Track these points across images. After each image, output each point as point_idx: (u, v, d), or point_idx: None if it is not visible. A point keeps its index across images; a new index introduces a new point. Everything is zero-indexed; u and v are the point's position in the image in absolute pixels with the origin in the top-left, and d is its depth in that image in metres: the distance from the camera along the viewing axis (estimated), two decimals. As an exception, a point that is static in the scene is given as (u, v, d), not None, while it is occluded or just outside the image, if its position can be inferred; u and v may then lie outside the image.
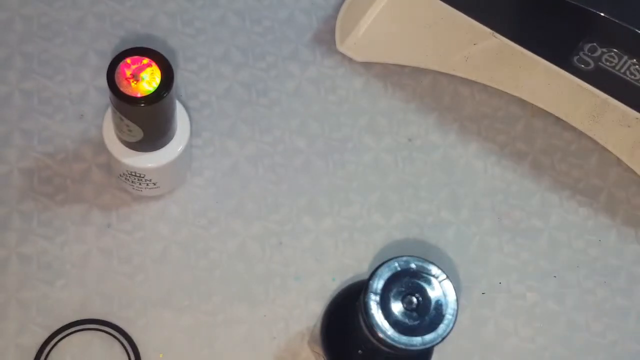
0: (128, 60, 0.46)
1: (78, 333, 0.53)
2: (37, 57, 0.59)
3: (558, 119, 0.60)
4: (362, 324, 0.39)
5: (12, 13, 0.60)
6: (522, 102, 0.61)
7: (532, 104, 0.60)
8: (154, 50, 0.47)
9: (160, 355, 0.53)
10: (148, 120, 0.48)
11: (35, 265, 0.54)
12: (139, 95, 0.46)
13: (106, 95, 0.51)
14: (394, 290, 0.39)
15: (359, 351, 0.44)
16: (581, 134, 0.60)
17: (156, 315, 0.54)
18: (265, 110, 0.59)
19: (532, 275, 0.57)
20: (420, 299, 0.39)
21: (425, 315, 0.39)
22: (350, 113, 0.60)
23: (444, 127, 0.60)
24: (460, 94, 0.61)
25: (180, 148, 0.52)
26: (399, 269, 0.39)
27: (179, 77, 0.60)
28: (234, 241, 0.56)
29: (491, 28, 0.56)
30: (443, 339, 0.39)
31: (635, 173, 0.60)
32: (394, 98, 0.61)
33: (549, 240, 0.58)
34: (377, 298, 0.39)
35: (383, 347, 0.39)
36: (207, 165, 0.58)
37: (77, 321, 0.53)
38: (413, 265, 0.40)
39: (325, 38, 0.62)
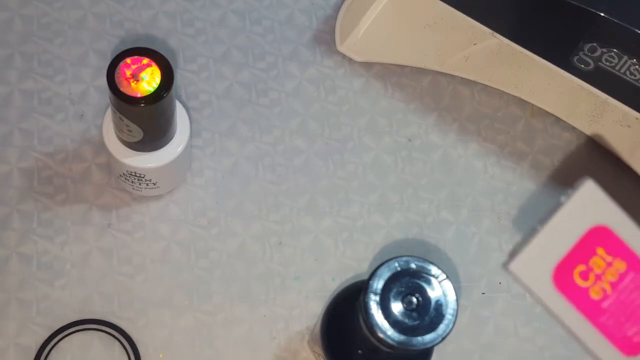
0: (128, 60, 0.46)
1: (78, 333, 0.53)
2: (37, 57, 0.59)
3: (558, 119, 0.60)
4: (362, 324, 0.39)
5: (12, 13, 0.60)
6: (522, 102, 0.61)
7: (532, 104, 0.60)
8: (154, 50, 0.47)
9: (161, 355, 0.53)
10: (148, 120, 0.48)
11: (35, 265, 0.54)
12: (138, 95, 0.46)
13: (106, 95, 0.51)
14: (394, 290, 0.39)
15: (359, 351, 0.44)
16: (581, 134, 0.60)
17: (156, 315, 0.54)
18: (265, 110, 0.60)
19: (532, 275, 0.57)
20: (420, 299, 0.39)
21: (425, 315, 0.39)
22: (350, 113, 0.60)
23: (444, 127, 0.60)
24: (460, 94, 0.61)
25: (180, 148, 0.52)
26: (399, 269, 0.39)
27: (179, 77, 0.60)
28: (234, 241, 0.56)
29: (491, 28, 0.56)
30: (443, 339, 0.39)
31: (635, 173, 0.60)
32: (393, 98, 0.61)
33: (549, 240, 0.58)
34: (377, 298, 0.39)
35: (383, 347, 0.39)
36: (207, 165, 0.58)
37: (77, 321, 0.53)
38: (413, 265, 0.40)
39: (325, 38, 0.62)
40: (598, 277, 0.31)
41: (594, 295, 0.31)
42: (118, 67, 0.46)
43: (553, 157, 0.60)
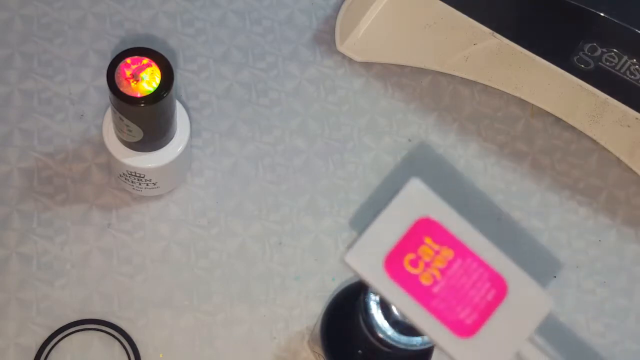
0: (128, 60, 0.46)
1: (78, 333, 0.53)
2: (37, 57, 0.59)
3: (558, 119, 0.60)
4: (362, 324, 0.39)
5: (12, 13, 0.60)
6: (522, 102, 0.61)
7: (532, 104, 0.60)
8: (154, 50, 0.47)
9: (160, 355, 0.53)
10: (148, 120, 0.48)
11: (35, 265, 0.54)
12: (138, 95, 0.46)
13: (106, 95, 0.51)
14: (394, 290, 0.39)
15: (359, 351, 0.44)
16: (581, 134, 0.60)
17: (156, 315, 0.54)
18: (265, 110, 0.59)
19: (531, 275, 0.57)
20: (419, 298, 0.39)
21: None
22: (350, 113, 0.60)
23: (444, 128, 0.60)
24: (460, 94, 0.61)
25: (180, 148, 0.52)
26: (398, 268, 0.39)
27: (179, 77, 0.60)
28: (234, 241, 0.56)
29: (491, 28, 0.56)
30: (443, 338, 0.39)
31: (635, 173, 0.60)
32: (393, 98, 0.61)
33: (549, 240, 0.58)
34: (377, 298, 0.39)
35: (383, 347, 0.39)
36: (207, 165, 0.58)
37: (77, 321, 0.53)
38: (412, 265, 0.39)
39: (325, 38, 0.62)
40: (427, 265, 0.33)
41: (425, 281, 0.33)
42: (118, 67, 0.46)
43: (553, 157, 0.60)
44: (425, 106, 0.61)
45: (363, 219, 0.58)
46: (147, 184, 0.53)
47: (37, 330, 0.53)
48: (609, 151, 0.60)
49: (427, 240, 0.34)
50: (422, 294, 0.33)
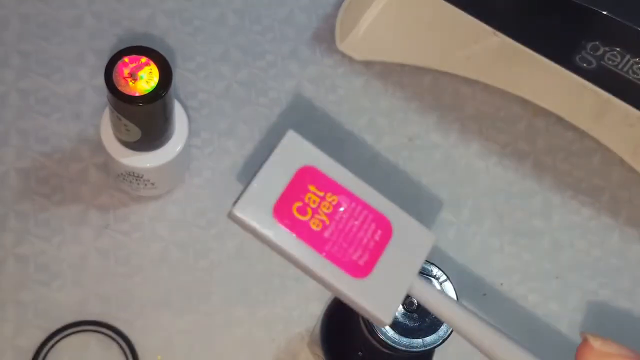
0: (126, 59, 0.46)
1: (75, 334, 0.53)
2: (34, 56, 0.59)
3: (560, 118, 0.60)
4: (363, 325, 0.39)
5: (10, 11, 0.60)
6: (524, 102, 0.60)
7: (534, 103, 0.60)
8: (152, 49, 0.46)
9: (159, 357, 0.53)
10: (146, 119, 0.48)
11: (32, 266, 0.54)
12: (136, 94, 0.45)
13: (104, 95, 0.50)
14: (395, 292, 0.39)
15: (359, 353, 0.44)
16: (583, 133, 0.60)
17: (154, 316, 0.53)
18: (264, 110, 0.59)
19: (534, 276, 0.57)
20: (420, 300, 0.39)
21: (426, 317, 0.39)
22: (351, 112, 0.60)
23: (445, 127, 0.60)
24: (462, 93, 0.61)
25: (178, 148, 0.52)
26: (399, 269, 0.39)
27: (178, 76, 0.59)
28: (233, 242, 0.56)
29: (493, 27, 0.55)
30: (444, 340, 0.39)
31: (638, 173, 0.59)
32: (394, 97, 0.60)
33: (551, 240, 0.58)
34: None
35: (383, 349, 0.39)
36: (206, 165, 0.57)
37: (75, 322, 0.53)
38: (413, 266, 0.39)
39: (325, 37, 0.61)
40: (315, 211, 0.34)
41: (315, 227, 0.34)
42: (116, 65, 0.46)
43: (555, 156, 0.60)
44: (426, 105, 0.60)
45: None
46: (145, 184, 0.53)
47: (34, 332, 0.52)
48: (611, 151, 0.59)
49: (312, 188, 0.35)
50: (314, 239, 0.34)
